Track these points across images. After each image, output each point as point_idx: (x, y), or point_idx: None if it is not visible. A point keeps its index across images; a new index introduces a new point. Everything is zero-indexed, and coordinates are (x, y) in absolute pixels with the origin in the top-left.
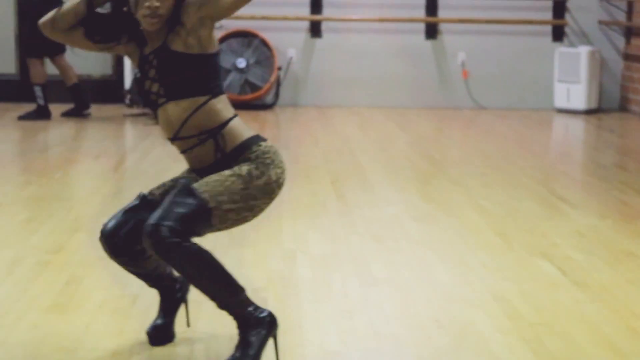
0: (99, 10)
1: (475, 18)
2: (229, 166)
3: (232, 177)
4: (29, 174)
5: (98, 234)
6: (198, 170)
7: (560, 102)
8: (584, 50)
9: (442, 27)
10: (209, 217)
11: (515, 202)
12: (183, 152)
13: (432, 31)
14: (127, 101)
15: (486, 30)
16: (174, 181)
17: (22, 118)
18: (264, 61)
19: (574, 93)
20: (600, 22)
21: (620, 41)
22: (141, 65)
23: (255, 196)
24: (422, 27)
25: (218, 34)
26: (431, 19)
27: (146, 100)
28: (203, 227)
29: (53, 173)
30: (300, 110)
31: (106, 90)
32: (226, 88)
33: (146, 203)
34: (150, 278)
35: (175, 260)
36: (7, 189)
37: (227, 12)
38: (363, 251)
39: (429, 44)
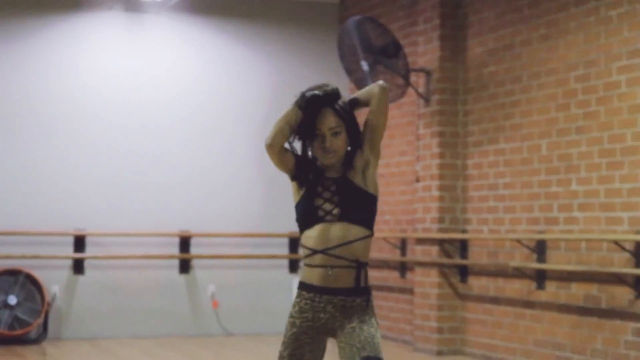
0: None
1: (223, 254)
2: (357, 298)
3: (378, 332)
4: None
5: None
6: (325, 288)
7: None
8: None
9: (195, 262)
10: None
11: None
12: (321, 266)
13: (185, 266)
14: None
15: (234, 264)
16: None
17: None
18: (32, 298)
19: None
20: None
21: None
22: (313, 185)
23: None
24: (176, 262)
25: None
26: (184, 255)
27: (309, 212)
28: None
29: None
30: (67, 344)
31: None
32: None
33: None
34: None
35: None
36: None
37: (380, 130)
38: None
39: (182, 278)
